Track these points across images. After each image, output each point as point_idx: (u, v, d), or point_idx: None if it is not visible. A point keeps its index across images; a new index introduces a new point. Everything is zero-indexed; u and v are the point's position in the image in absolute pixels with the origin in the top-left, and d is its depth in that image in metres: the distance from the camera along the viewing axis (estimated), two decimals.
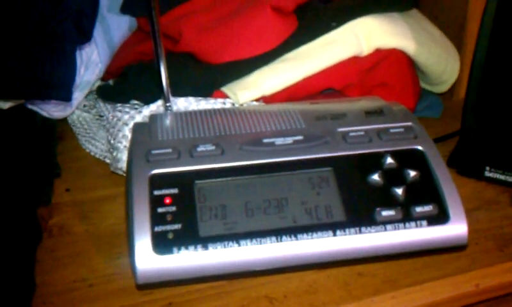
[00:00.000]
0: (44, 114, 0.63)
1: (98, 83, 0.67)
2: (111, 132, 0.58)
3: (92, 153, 0.64)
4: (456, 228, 0.47)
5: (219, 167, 0.48)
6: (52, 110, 0.63)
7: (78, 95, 0.66)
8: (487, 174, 0.59)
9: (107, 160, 0.61)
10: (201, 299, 0.46)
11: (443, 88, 0.71)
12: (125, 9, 0.67)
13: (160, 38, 0.53)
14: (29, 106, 0.62)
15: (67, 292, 0.47)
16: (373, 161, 0.50)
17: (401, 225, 0.46)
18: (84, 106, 0.69)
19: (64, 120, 0.68)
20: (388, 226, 0.46)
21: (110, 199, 0.57)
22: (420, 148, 0.51)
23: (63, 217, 0.55)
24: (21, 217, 0.51)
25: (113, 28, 0.68)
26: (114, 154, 0.57)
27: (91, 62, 0.66)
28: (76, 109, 0.68)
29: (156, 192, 0.46)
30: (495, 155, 0.58)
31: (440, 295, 0.47)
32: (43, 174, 0.58)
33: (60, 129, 0.68)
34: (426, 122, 0.69)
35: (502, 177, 0.59)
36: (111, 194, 0.57)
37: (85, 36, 0.58)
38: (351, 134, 0.52)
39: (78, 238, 0.53)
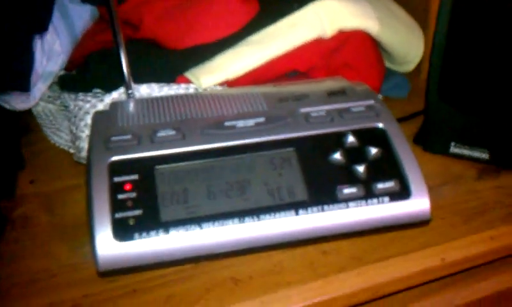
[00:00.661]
0: (7, 106, 0.62)
1: (61, 73, 0.66)
2: (73, 122, 0.57)
3: (57, 144, 0.63)
4: (418, 203, 0.47)
5: (180, 152, 0.48)
6: (14, 102, 0.62)
7: (41, 86, 0.65)
8: (452, 149, 0.59)
9: (72, 151, 0.60)
10: (166, 283, 0.46)
11: (409, 67, 0.71)
12: None
13: (119, 25, 0.53)
14: None
15: (30, 283, 0.46)
16: (335, 140, 0.50)
17: (363, 202, 0.46)
18: (49, 97, 0.68)
19: (29, 112, 0.67)
20: (350, 203, 0.46)
21: (74, 189, 0.56)
22: (381, 125, 0.51)
23: (27, 209, 0.54)
24: None
25: (75, 18, 0.67)
26: (77, 143, 0.56)
27: (54, 53, 0.65)
28: (40, 101, 0.67)
29: (116, 179, 0.46)
30: (460, 130, 0.58)
31: (406, 270, 0.47)
32: (6, 167, 0.57)
33: (25, 121, 0.67)
34: (393, 101, 0.71)
35: (468, 152, 0.59)
36: (75, 184, 0.57)
37: (41, 25, 0.57)
38: (313, 114, 0.52)
39: (42, 229, 0.52)
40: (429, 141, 0.61)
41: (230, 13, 0.58)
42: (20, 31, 0.55)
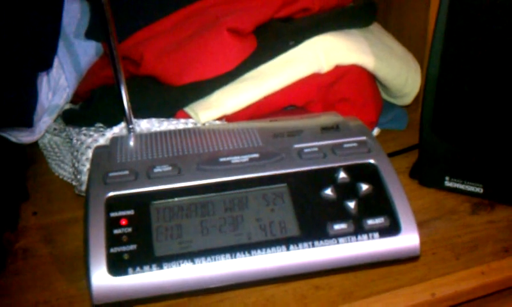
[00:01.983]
0: (12, 139, 0.64)
1: (67, 107, 0.68)
2: (75, 156, 0.59)
3: (61, 177, 0.65)
4: (407, 239, 0.48)
5: (175, 187, 0.49)
6: (19, 135, 0.64)
7: (46, 119, 0.67)
8: (447, 183, 0.60)
9: (74, 183, 0.61)
10: None
11: (406, 100, 0.72)
12: (89, 35, 0.68)
13: (119, 62, 0.54)
14: None
15: None
16: (326, 176, 0.51)
17: (353, 238, 0.47)
18: (54, 129, 0.70)
19: (35, 144, 0.69)
20: (341, 239, 0.47)
21: (75, 222, 0.58)
22: (372, 161, 0.52)
23: (28, 241, 0.56)
24: None
25: (80, 53, 0.69)
26: (78, 177, 0.58)
27: (59, 87, 0.67)
28: (47, 133, 0.69)
29: (112, 214, 0.47)
30: (454, 165, 0.59)
31: (396, 305, 0.48)
32: (10, 200, 0.59)
33: (31, 152, 0.69)
34: (392, 134, 0.72)
35: (462, 186, 0.60)
36: (76, 216, 0.58)
37: (45, 62, 0.59)
38: (306, 150, 0.53)
39: (42, 261, 0.53)
40: (423, 175, 0.62)
41: (227, 50, 0.60)
42: (24, 69, 0.57)
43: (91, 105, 0.62)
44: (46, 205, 0.61)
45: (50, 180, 0.65)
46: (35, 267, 0.53)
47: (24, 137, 0.65)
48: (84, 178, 0.57)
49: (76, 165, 0.59)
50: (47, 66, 0.60)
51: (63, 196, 0.62)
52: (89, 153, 0.58)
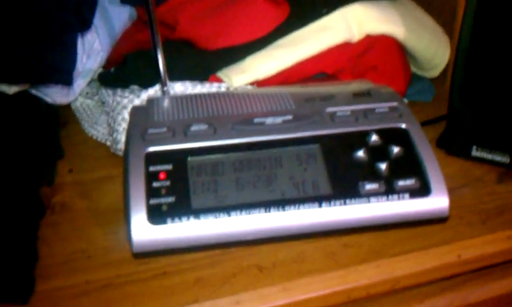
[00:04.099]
0: (48, 99, 0.66)
1: (100, 71, 0.70)
2: (111, 116, 0.60)
3: (94, 137, 0.66)
4: (437, 201, 0.49)
5: (211, 145, 0.51)
6: (55, 96, 0.65)
7: (80, 82, 0.68)
8: (474, 153, 0.61)
9: (108, 143, 0.63)
10: (194, 268, 0.49)
11: (434, 73, 0.73)
12: (124, 0, 0.69)
13: (156, 26, 0.56)
14: (33, 92, 0.65)
15: (67, 263, 0.50)
16: (359, 139, 0.52)
17: (384, 197, 0.49)
18: (87, 93, 0.71)
19: (68, 107, 0.71)
20: (372, 198, 0.48)
21: (110, 179, 0.59)
22: (404, 126, 0.53)
23: (65, 196, 0.58)
24: (25, 195, 0.54)
25: (114, 18, 0.70)
26: (114, 136, 0.60)
27: (93, 51, 0.68)
28: (79, 96, 0.71)
29: (151, 168, 0.49)
30: (482, 134, 0.60)
31: (423, 265, 0.49)
32: (47, 157, 0.61)
33: (64, 115, 0.71)
34: (418, 106, 0.72)
35: (489, 156, 0.60)
36: (110, 174, 0.60)
37: (85, 24, 0.61)
38: (339, 114, 0.54)
39: (78, 214, 0.55)
40: (451, 143, 0.63)
41: (261, 16, 0.61)
42: (66, 28, 0.58)
43: (126, 68, 0.63)
44: (81, 163, 0.62)
45: (83, 140, 0.67)
46: (72, 220, 0.54)
47: (59, 97, 0.66)
48: (120, 136, 0.59)
49: (112, 124, 0.60)
50: (86, 26, 0.62)
51: (97, 154, 0.64)
52: (125, 114, 0.59)
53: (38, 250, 0.50)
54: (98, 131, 0.66)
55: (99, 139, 0.66)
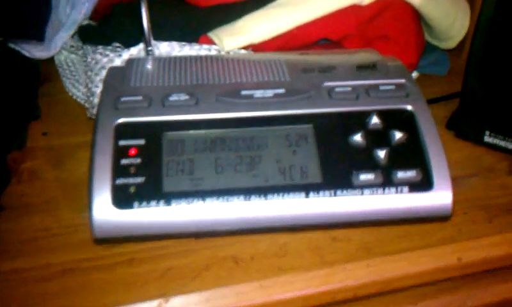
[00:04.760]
0: (26, 53, 0.60)
1: (85, 22, 0.64)
2: (89, 76, 0.55)
3: (74, 97, 0.62)
4: (439, 196, 0.44)
5: (190, 119, 0.45)
6: (33, 50, 0.60)
7: (63, 35, 0.63)
8: (486, 139, 0.55)
9: (87, 106, 0.58)
10: (165, 255, 0.44)
11: (451, 44, 0.66)
12: None
13: None
14: (11, 45, 0.60)
15: (30, 241, 0.45)
16: (357, 120, 0.46)
17: (380, 190, 0.43)
18: (71, 47, 0.66)
19: (51, 61, 0.66)
20: (366, 190, 0.43)
21: (86, 146, 0.53)
22: (409, 107, 0.47)
23: (36, 162, 0.53)
24: None
25: None
26: (91, 99, 0.55)
27: (78, 1, 0.63)
28: (63, 50, 0.65)
29: (121, 143, 0.44)
30: (497, 119, 0.54)
31: (417, 266, 0.45)
32: (20, 117, 0.56)
33: (47, 70, 0.66)
34: (431, 80, 0.66)
35: (503, 143, 0.55)
36: (87, 140, 0.53)
37: None
38: (337, 90, 0.48)
39: (48, 184, 0.51)
40: (462, 126, 0.57)
41: None
42: None
43: (110, 22, 0.58)
44: (57, 126, 0.58)
45: (63, 99, 0.62)
46: (40, 191, 0.50)
47: (37, 51, 0.61)
48: (97, 100, 0.54)
49: (89, 85, 0.55)
50: None
51: (76, 118, 0.59)
52: (104, 74, 0.54)
53: (2, 224, 0.46)
54: (79, 90, 0.61)
55: (79, 100, 0.61)
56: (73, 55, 0.66)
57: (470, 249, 0.46)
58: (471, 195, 0.50)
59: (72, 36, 0.65)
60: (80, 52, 0.65)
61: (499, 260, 0.46)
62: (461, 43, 0.66)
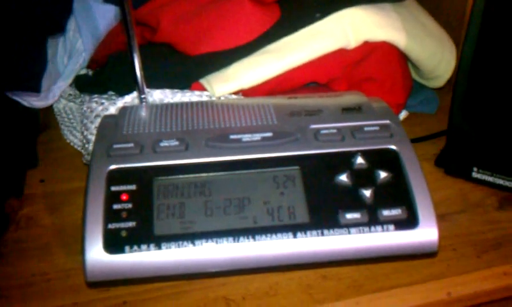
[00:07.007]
0: (25, 103, 0.62)
1: (83, 72, 0.66)
2: (84, 123, 0.57)
3: (72, 144, 0.63)
4: (425, 233, 0.45)
5: (180, 164, 0.47)
6: (32, 100, 0.62)
7: (61, 84, 0.65)
8: (474, 175, 0.56)
9: (83, 152, 0.60)
10: (158, 298, 0.45)
11: (438, 83, 0.68)
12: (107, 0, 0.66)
13: (133, 28, 0.52)
14: (10, 95, 0.62)
15: (26, 286, 0.46)
16: (343, 160, 0.48)
17: (366, 228, 0.44)
18: (70, 95, 0.68)
19: (50, 109, 0.68)
20: (352, 229, 0.44)
21: (83, 192, 0.55)
22: (394, 147, 0.48)
23: (33, 209, 0.54)
24: None
25: (99, 16, 0.67)
26: (87, 146, 0.56)
27: (76, 51, 0.65)
28: (62, 98, 0.67)
29: (113, 188, 0.45)
30: (483, 155, 0.55)
31: (407, 302, 0.45)
32: (18, 165, 0.57)
33: (46, 118, 0.68)
34: (420, 118, 0.68)
35: (490, 179, 0.56)
36: (83, 186, 0.56)
37: (57, 27, 0.57)
38: (323, 132, 0.50)
39: (44, 231, 0.52)
40: (450, 163, 0.58)
41: (248, 20, 0.57)
42: (34, 32, 0.55)
43: (105, 72, 0.60)
44: (54, 173, 0.59)
45: (61, 146, 0.64)
46: (37, 237, 0.51)
47: (36, 101, 0.63)
48: (92, 147, 0.55)
49: (85, 133, 0.57)
50: (59, 30, 0.58)
51: (73, 164, 0.61)
52: (98, 122, 0.56)
53: None
54: (76, 137, 0.63)
55: (76, 147, 0.63)
56: (71, 104, 0.68)
57: (459, 284, 0.46)
58: (459, 231, 0.51)
59: (70, 85, 0.67)
60: (78, 100, 0.67)
61: (488, 294, 0.47)
62: (450, 81, 0.68)
